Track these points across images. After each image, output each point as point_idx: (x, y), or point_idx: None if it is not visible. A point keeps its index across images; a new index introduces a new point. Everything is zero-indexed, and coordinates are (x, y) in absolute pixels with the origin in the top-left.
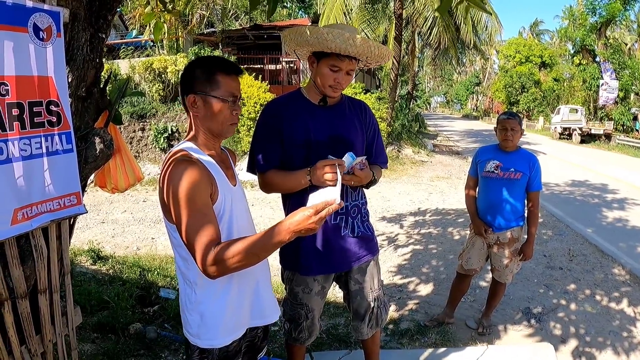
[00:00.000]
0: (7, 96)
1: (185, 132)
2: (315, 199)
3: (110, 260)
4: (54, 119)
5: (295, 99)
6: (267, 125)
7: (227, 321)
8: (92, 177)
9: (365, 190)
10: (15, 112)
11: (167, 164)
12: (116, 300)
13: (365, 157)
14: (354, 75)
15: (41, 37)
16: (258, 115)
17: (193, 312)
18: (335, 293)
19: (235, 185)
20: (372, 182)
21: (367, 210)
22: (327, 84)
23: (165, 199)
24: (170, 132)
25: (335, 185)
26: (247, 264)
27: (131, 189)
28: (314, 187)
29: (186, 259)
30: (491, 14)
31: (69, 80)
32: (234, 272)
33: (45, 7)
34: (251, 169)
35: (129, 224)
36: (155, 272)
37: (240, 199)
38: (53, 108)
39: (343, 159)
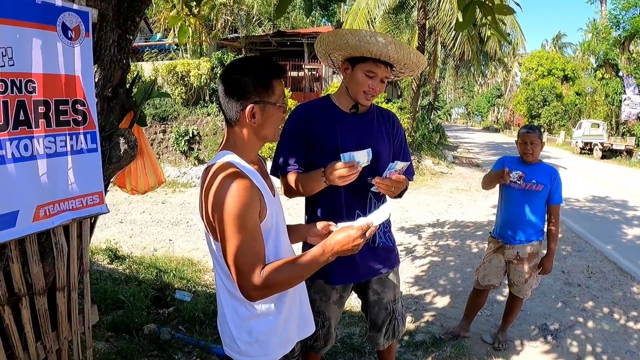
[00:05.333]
0: (33, 93)
1: (206, 135)
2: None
3: (127, 260)
4: (80, 118)
5: (324, 105)
6: (294, 128)
7: (279, 335)
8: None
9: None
10: (41, 109)
11: (213, 176)
12: (131, 300)
13: (409, 162)
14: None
15: (69, 36)
16: None
17: (241, 329)
18: (350, 302)
19: (274, 196)
20: (401, 193)
21: (390, 221)
22: (362, 90)
23: (211, 215)
24: (191, 135)
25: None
26: (292, 286)
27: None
28: (337, 189)
29: None
30: (510, 43)
31: (96, 80)
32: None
33: (75, 6)
34: (274, 171)
35: (147, 224)
36: (172, 274)
37: (280, 210)
38: (79, 107)
39: (391, 166)
